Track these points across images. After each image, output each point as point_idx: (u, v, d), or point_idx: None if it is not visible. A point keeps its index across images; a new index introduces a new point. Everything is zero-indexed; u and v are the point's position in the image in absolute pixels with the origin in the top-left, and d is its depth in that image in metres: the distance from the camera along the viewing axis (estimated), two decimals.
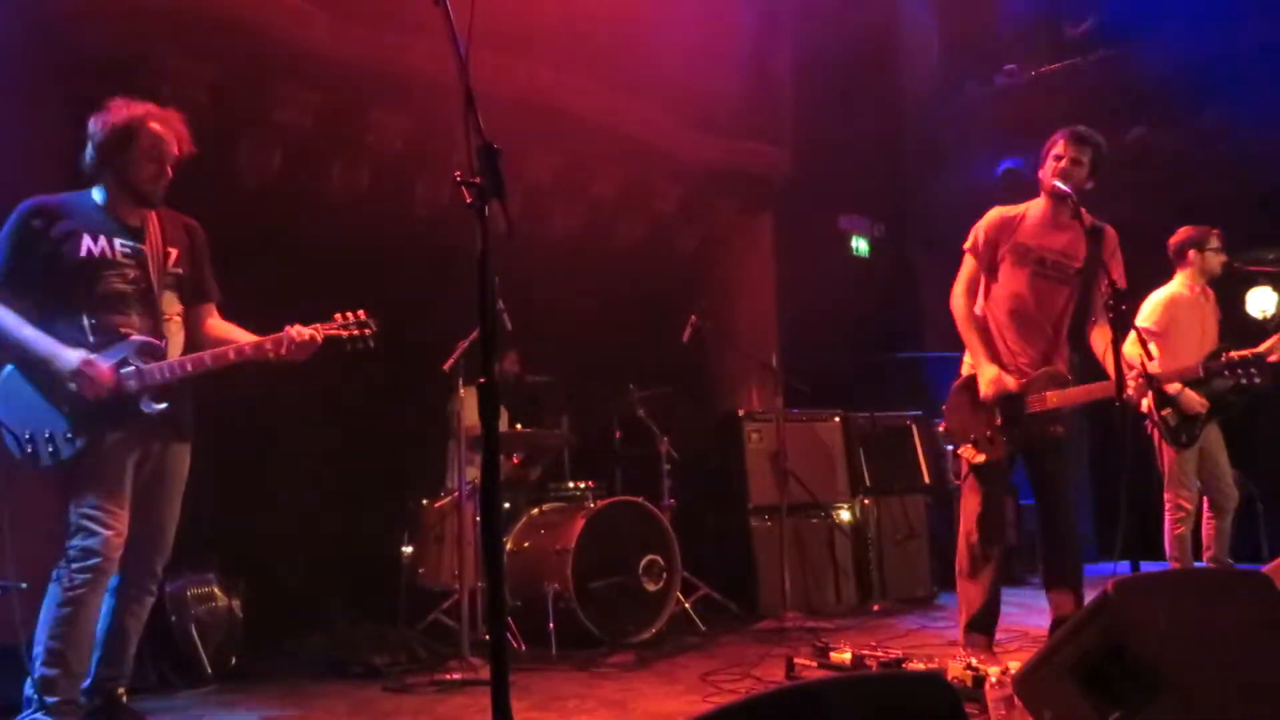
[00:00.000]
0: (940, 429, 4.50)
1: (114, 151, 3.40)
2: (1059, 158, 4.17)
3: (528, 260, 5.21)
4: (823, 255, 8.55)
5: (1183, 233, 5.51)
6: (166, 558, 3.54)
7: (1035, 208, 4.30)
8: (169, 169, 3.47)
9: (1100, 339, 4.18)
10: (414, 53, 5.52)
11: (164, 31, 4.97)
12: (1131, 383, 3.99)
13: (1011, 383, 4.12)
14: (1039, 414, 4.12)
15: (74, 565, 3.21)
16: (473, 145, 2.22)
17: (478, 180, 2.21)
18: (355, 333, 3.50)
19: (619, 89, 6.62)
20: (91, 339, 3.33)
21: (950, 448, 4.46)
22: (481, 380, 2.17)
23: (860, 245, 9.07)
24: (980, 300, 4.34)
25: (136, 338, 3.37)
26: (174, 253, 3.55)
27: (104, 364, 3.27)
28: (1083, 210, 4.11)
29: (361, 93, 5.82)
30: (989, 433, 4.17)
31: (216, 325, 3.67)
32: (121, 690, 3.47)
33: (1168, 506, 5.28)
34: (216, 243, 3.75)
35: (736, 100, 7.31)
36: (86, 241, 3.36)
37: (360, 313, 3.54)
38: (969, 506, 4.28)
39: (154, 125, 3.42)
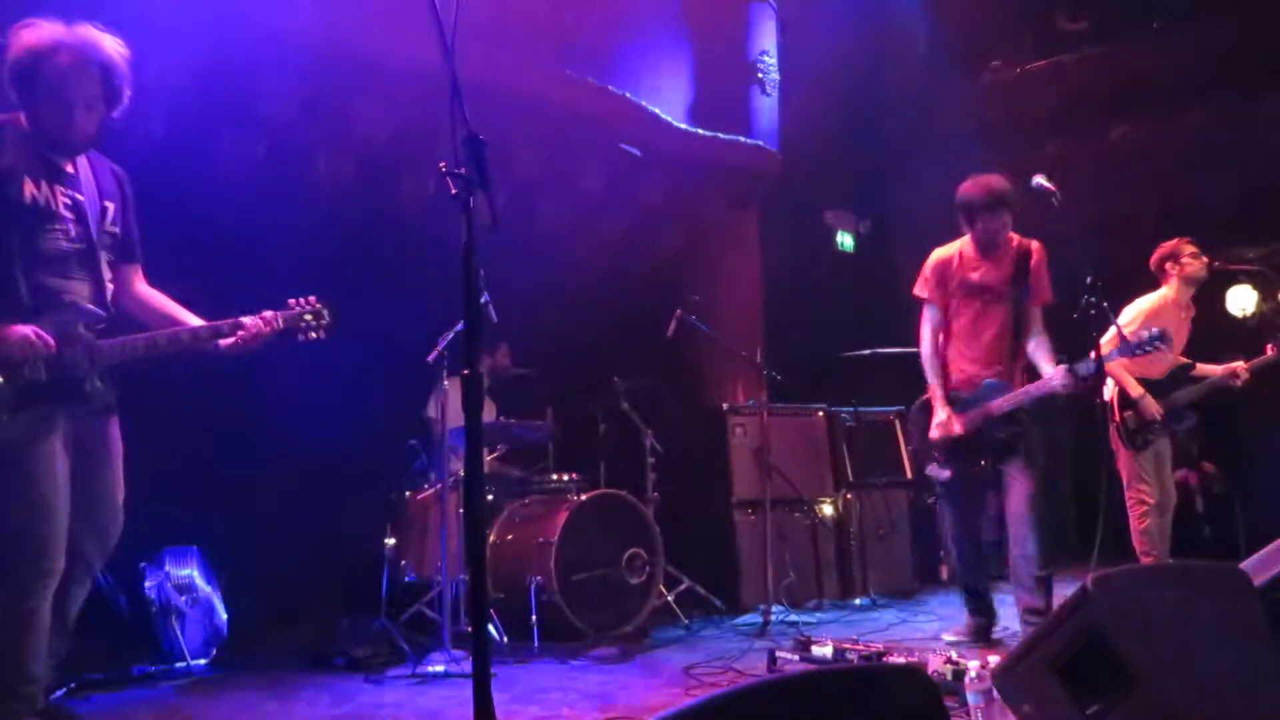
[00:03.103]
0: (909, 450, 4.97)
1: (18, 88, 2.98)
2: (990, 224, 4.55)
3: (513, 253, 5.21)
4: (808, 251, 8.57)
5: (1157, 251, 5.61)
6: (114, 542, 3.24)
7: (968, 244, 4.72)
8: (87, 108, 3.02)
9: (1040, 350, 4.58)
10: (400, 44, 5.50)
11: (146, 20, 4.93)
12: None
13: (957, 428, 4.59)
14: (989, 423, 4.53)
15: (17, 575, 2.90)
16: (458, 137, 2.21)
17: (463, 171, 2.21)
18: (310, 321, 3.35)
19: (606, 82, 6.61)
20: (28, 303, 2.95)
21: (919, 466, 4.92)
22: (465, 372, 2.17)
23: (845, 241, 9.09)
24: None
25: (83, 306, 3.06)
26: (110, 207, 3.18)
27: (49, 338, 2.94)
28: (1012, 236, 4.60)
29: (347, 83, 5.79)
30: (949, 450, 4.65)
31: (148, 292, 3.34)
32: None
33: (1130, 503, 5.40)
34: (202, 235, 3.67)
35: (724, 95, 7.31)
36: (29, 184, 2.95)
37: (312, 300, 3.38)
38: (946, 519, 4.94)
39: (61, 59, 2.95)
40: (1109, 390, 5.43)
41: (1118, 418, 5.35)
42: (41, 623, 2.98)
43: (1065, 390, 4.34)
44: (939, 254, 4.81)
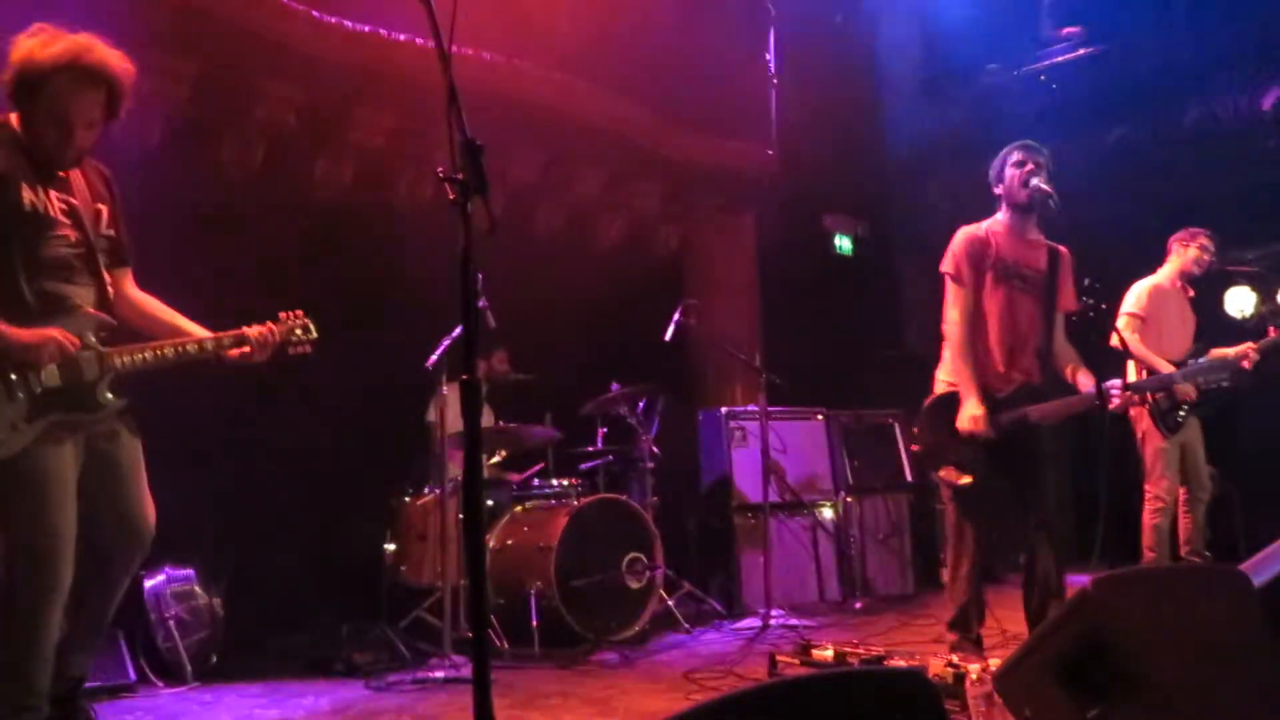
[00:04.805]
0: (914, 450, 4.39)
1: (16, 98, 2.90)
2: (1021, 164, 4.22)
3: (511, 258, 5.20)
4: (806, 254, 8.57)
5: (1178, 232, 5.69)
6: (147, 547, 3.18)
7: (998, 223, 4.32)
8: (87, 127, 2.96)
9: (1064, 354, 4.27)
10: (397, 49, 5.51)
11: (145, 26, 4.94)
12: (1116, 397, 4.03)
13: (990, 432, 4.03)
14: (1020, 429, 4.09)
15: (22, 587, 2.85)
16: (456, 142, 2.21)
17: (461, 177, 2.21)
18: (299, 335, 3.33)
19: (602, 86, 6.61)
20: (35, 310, 2.88)
21: (927, 467, 4.38)
22: (463, 378, 2.17)
23: (843, 244, 9.09)
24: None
25: (90, 312, 3.00)
26: (103, 211, 3.11)
27: (74, 338, 2.91)
28: (1039, 236, 4.26)
29: (344, 89, 5.80)
30: (971, 454, 4.08)
31: (141, 297, 3.28)
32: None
33: (1147, 497, 5.40)
34: (200, 238, 3.65)
35: (720, 98, 7.32)
36: (26, 190, 2.88)
37: (298, 313, 3.36)
38: (959, 533, 4.21)
39: (68, 78, 2.87)
40: (1133, 377, 5.44)
41: (1149, 399, 5.31)
42: (48, 636, 2.93)
43: (1107, 408, 3.94)
44: (968, 231, 4.30)
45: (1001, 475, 4.12)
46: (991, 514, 4.21)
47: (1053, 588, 4.11)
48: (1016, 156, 4.24)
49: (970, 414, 4.05)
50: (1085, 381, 4.11)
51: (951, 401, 4.17)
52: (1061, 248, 4.33)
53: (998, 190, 4.32)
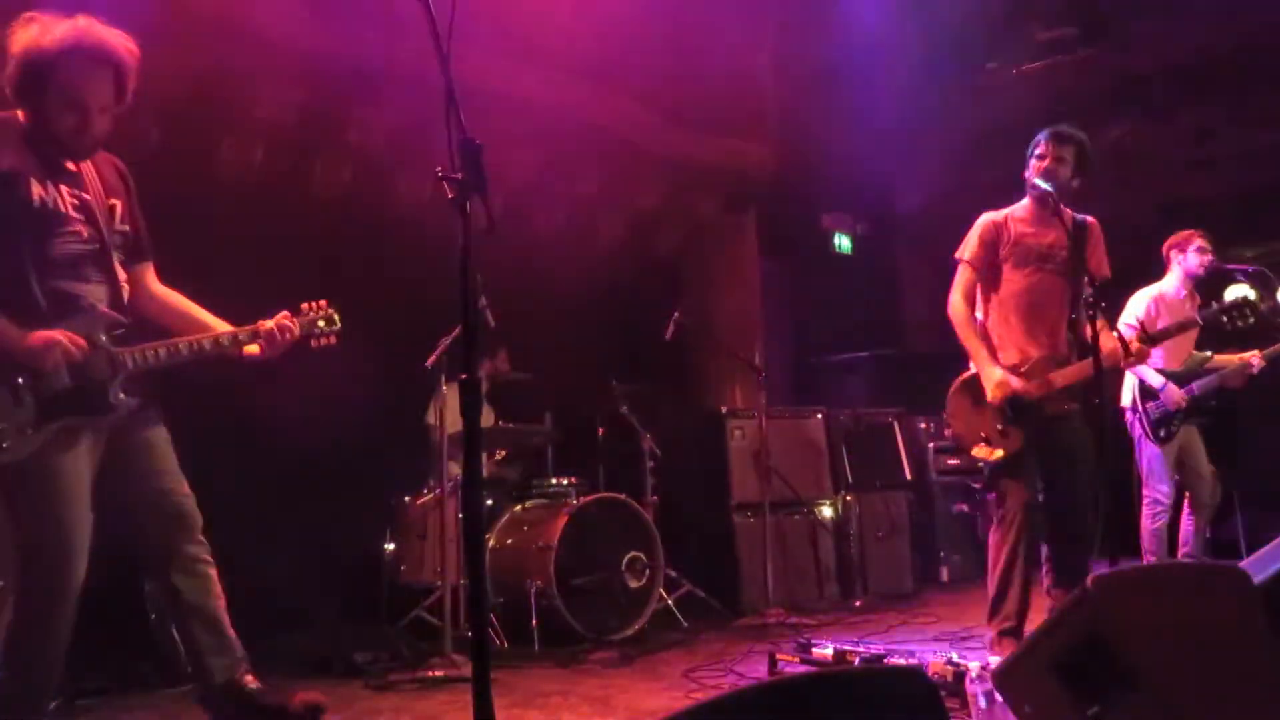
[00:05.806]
0: (947, 434, 4.39)
1: (24, 90, 2.82)
2: (1041, 157, 4.23)
3: (510, 257, 5.21)
4: (806, 254, 8.58)
5: (1171, 237, 5.66)
6: (199, 525, 3.20)
7: (1020, 209, 4.35)
8: (101, 111, 2.89)
9: (1103, 327, 4.17)
10: (396, 49, 5.50)
11: (143, 27, 4.93)
12: (1133, 349, 4.04)
13: (1017, 383, 4.08)
14: (1046, 396, 4.09)
15: (32, 592, 2.83)
16: (454, 141, 2.21)
17: (459, 176, 2.21)
18: (323, 326, 3.25)
19: (602, 86, 6.62)
20: (44, 309, 2.81)
21: (962, 452, 4.34)
22: (463, 377, 2.17)
23: (843, 243, 9.10)
24: (980, 305, 4.34)
25: (102, 311, 2.92)
26: (118, 205, 3.03)
27: (80, 339, 2.84)
28: (1064, 208, 4.16)
29: (343, 89, 5.80)
30: (1000, 426, 4.12)
31: (165, 293, 3.21)
32: (248, 676, 3.22)
33: (1145, 501, 5.40)
34: (199, 240, 3.62)
35: (720, 98, 7.32)
36: (35, 186, 2.81)
37: (322, 303, 3.28)
38: (1001, 515, 4.18)
39: (75, 61, 2.80)
40: (1129, 387, 5.44)
41: (1140, 409, 5.33)
42: (59, 639, 2.90)
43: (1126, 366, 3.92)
44: (988, 216, 4.34)
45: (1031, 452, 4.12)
46: (1033, 484, 4.16)
47: (1073, 577, 3.99)
48: (1040, 148, 4.25)
49: (994, 380, 4.08)
50: (1105, 342, 4.00)
51: (973, 382, 4.23)
52: (1090, 218, 4.29)
53: (1025, 174, 4.32)
